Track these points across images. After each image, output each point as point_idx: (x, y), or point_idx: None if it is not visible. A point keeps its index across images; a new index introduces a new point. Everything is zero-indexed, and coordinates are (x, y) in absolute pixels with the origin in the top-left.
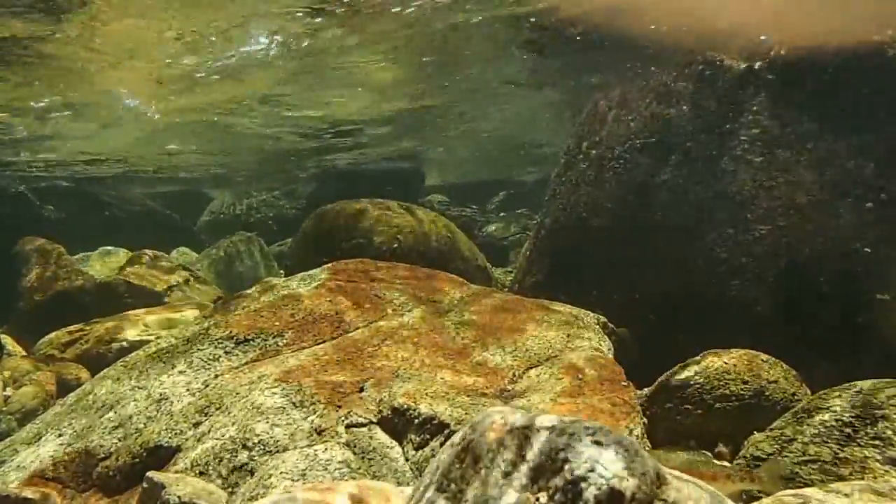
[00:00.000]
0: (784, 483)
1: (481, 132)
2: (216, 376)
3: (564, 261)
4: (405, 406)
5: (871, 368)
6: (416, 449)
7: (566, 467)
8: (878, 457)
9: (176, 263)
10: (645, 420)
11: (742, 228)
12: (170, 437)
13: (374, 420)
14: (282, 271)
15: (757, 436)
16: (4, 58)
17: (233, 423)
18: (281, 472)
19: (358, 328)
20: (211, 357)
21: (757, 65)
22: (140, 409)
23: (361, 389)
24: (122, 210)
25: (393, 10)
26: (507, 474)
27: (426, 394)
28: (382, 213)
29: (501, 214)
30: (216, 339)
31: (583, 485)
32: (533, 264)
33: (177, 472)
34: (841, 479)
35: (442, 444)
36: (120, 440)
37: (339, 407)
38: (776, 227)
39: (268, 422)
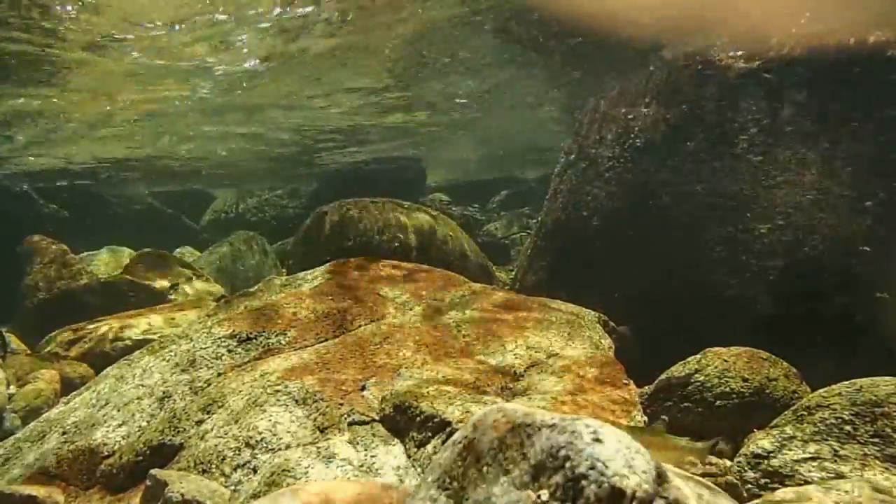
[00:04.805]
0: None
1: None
2: (219, 374)
3: (565, 259)
4: (407, 404)
5: (871, 366)
6: (418, 447)
7: (567, 465)
8: (878, 454)
9: (179, 262)
10: (646, 418)
11: (742, 227)
12: (173, 435)
13: (377, 418)
14: (284, 270)
15: (757, 433)
16: None
17: (236, 421)
18: (284, 470)
19: (360, 326)
20: (214, 355)
21: (756, 64)
22: (143, 407)
23: (363, 387)
24: (126, 209)
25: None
26: (508, 472)
27: (428, 392)
28: (384, 212)
29: (502, 213)
30: (219, 338)
31: (584, 482)
32: (534, 263)
33: (180, 469)
34: (841, 476)
35: (444, 442)
36: (123, 438)
37: (342, 405)
38: (776, 226)
39: (271, 420)
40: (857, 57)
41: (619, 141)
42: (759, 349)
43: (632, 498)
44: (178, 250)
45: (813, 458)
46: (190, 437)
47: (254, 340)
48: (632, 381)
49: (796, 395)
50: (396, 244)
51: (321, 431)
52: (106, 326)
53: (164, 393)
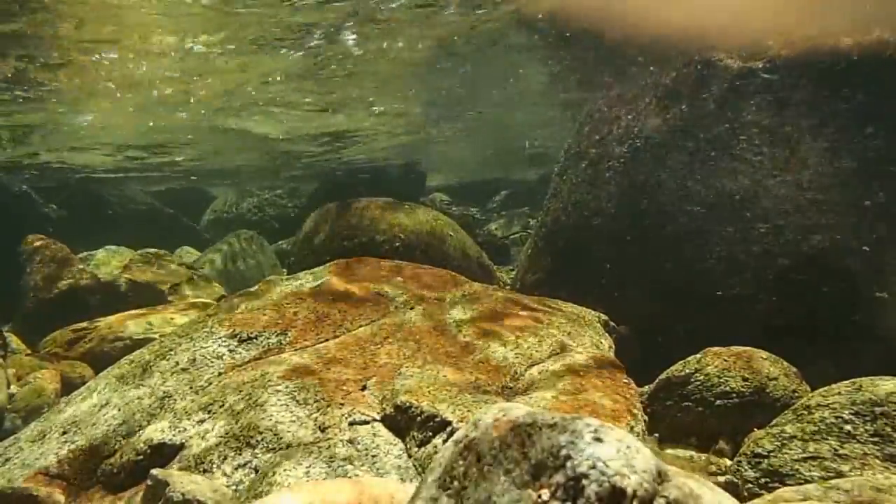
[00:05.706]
0: None
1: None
2: (219, 374)
3: (565, 259)
4: (407, 404)
5: (870, 365)
6: (419, 446)
7: (568, 464)
8: (878, 453)
9: (179, 262)
10: (646, 417)
11: (742, 227)
12: (173, 435)
13: (377, 417)
14: (284, 269)
15: (757, 433)
16: None
17: (236, 421)
18: (285, 470)
19: (360, 326)
20: (214, 355)
21: (756, 64)
22: (144, 407)
23: (364, 387)
24: (125, 209)
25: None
26: (509, 471)
27: (428, 391)
28: (384, 212)
29: (503, 213)
30: (219, 337)
31: (584, 482)
32: (534, 262)
33: (181, 469)
34: (841, 475)
35: (444, 442)
36: (124, 437)
37: (343, 405)
38: (775, 226)
39: (271, 419)
40: (856, 57)
41: (620, 141)
42: (759, 349)
43: (633, 497)
44: (178, 250)
45: (813, 458)
46: (191, 437)
47: (254, 340)
48: (632, 381)
49: (796, 394)
50: (397, 244)
51: (322, 431)
52: (106, 326)
53: (164, 392)
